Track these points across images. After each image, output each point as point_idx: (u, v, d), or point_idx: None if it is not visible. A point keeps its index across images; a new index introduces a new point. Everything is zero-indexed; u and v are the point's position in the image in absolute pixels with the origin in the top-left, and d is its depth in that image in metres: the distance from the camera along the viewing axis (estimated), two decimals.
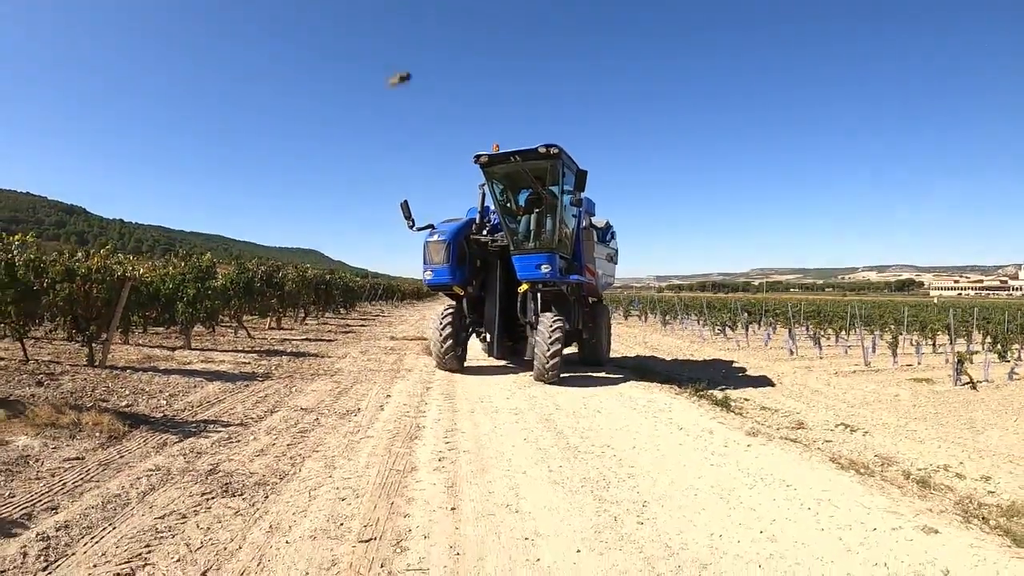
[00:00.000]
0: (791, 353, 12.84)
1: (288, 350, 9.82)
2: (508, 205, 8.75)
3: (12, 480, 3.19)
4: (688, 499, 3.41)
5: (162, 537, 2.65)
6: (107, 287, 6.78)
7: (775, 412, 6.83)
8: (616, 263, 10.49)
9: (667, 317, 23.91)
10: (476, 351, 9.30)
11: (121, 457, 3.73)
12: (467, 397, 6.36)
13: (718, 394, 7.18)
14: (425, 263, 8.18)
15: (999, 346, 12.87)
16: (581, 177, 7.34)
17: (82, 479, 3.30)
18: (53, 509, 2.88)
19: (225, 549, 2.57)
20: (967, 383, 8.92)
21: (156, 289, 8.47)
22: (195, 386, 6.14)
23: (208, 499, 3.11)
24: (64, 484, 3.20)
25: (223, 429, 4.55)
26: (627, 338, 16.98)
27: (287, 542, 2.66)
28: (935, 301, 53.97)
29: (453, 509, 3.13)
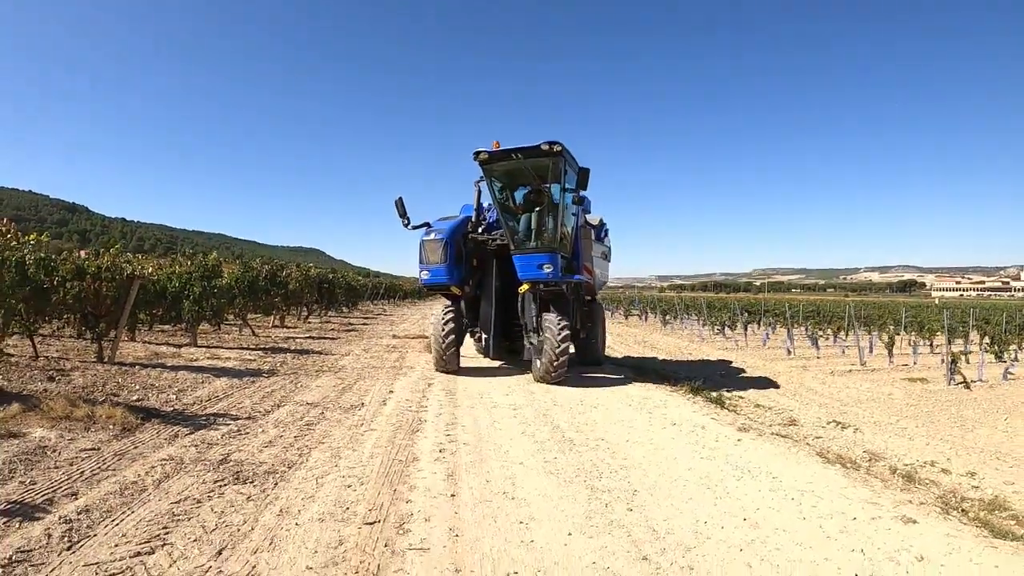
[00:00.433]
0: (788, 353, 12.97)
1: (292, 347, 9.99)
2: (507, 203, 8.40)
3: (32, 469, 3.35)
4: (677, 489, 3.56)
5: (179, 520, 2.80)
6: (116, 285, 6.95)
7: (768, 409, 6.96)
8: (610, 261, 10.21)
9: (667, 317, 24.05)
10: (470, 352, 9.36)
11: (135, 448, 3.89)
12: (467, 393, 6.51)
13: (713, 392, 7.30)
14: (421, 262, 7.93)
15: (995, 346, 12.99)
16: (583, 175, 7.12)
17: (99, 468, 3.46)
18: (73, 495, 3.04)
19: (239, 530, 2.73)
20: (961, 383, 9.03)
21: (163, 287, 8.63)
22: (203, 382, 6.30)
23: (221, 486, 3.27)
24: (82, 472, 3.36)
25: (232, 422, 4.72)
26: (627, 337, 17.13)
27: (297, 524, 2.82)
28: (936, 302, 53.95)
29: (453, 496, 3.29)
